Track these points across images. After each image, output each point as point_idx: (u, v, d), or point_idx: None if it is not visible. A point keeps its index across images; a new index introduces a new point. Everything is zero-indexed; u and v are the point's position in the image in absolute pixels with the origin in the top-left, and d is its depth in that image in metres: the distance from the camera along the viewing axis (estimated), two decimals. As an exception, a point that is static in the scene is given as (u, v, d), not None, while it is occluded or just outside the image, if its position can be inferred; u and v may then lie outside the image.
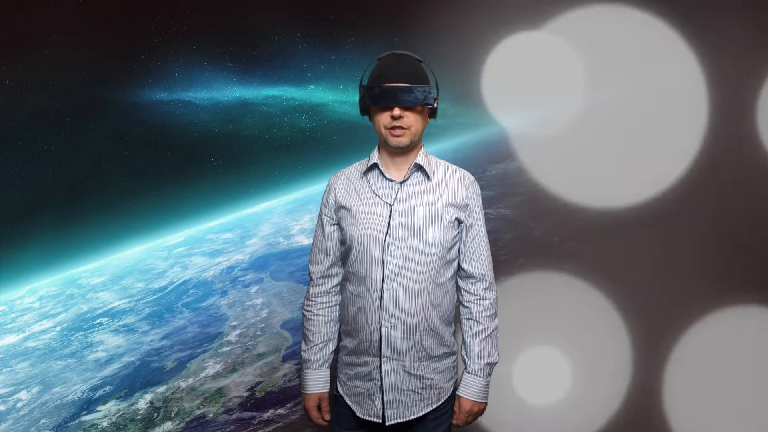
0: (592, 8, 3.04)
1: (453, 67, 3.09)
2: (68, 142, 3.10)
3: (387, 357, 1.72)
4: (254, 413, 3.02)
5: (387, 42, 3.14)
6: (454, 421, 1.85)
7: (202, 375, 3.10)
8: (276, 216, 3.67)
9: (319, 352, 1.85)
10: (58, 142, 3.09)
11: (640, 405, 3.03)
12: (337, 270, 1.86)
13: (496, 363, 1.83)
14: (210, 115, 3.30)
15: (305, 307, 1.88)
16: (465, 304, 1.84)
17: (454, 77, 3.10)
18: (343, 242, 1.81)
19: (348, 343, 1.80)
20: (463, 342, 1.85)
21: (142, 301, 3.37)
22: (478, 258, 1.81)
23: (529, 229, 3.28)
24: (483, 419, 1.95)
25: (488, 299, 1.82)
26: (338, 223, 1.82)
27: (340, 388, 1.84)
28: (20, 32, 2.94)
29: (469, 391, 1.80)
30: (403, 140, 1.71)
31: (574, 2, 3.04)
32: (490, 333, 1.82)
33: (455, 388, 1.86)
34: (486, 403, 1.84)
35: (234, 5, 3.21)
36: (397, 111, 1.67)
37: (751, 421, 2.99)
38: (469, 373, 1.81)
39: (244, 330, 3.27)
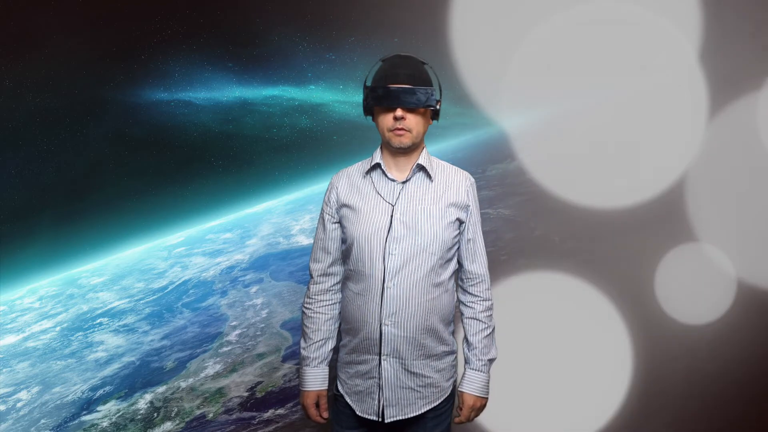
0: (592, 7, 3.04)
1: (453, 67, 3.09)
2: (68, 142, 3.10)
3: (387, 355, 1.73)
4: (254, 413, 3.01)
5: (387, 42, 3.14)
6: (457, 420, 1.86)
7: (202, 375, 3.10)
8: (276, 216, 3.67)
9: (318, 350, 1.85)
10: (58, 142, 3.08)
11: (640, 405, 3.04)
12: (338, 268, 1.87)
13: (495, 359, 1.86)
14: (210, 115, 3.30)
15: (305, 305, 1.89)
16: (468, 304, 1.86)
17: (454, 77, 3.11)
18: (344, 240, 1.82)
19: (348, 341, 1.81)
20: (465, 340, 1.87)
21: (142, 301, 3.36)
22: (480, 259, 1.86)
23: (529, 229, 3.28)
24: (483, 419, 1.96)
25: (489, 300, 1.87)
26: (340, 222, 1.83)
27: (340, 387, 1.85)
28: (20, 32, 2.94)
29: (473, 386, 1.82)
30: (405, 140, 1.73)
31: (575, 1, 3.04)
32: (491, 331, 1.86)
33: (454, 388, 1.87)
34: (487, 399, 1.86)
35: (234, 5, 3.21)
36: (399, 112, 1.69)
37: (750, 420, 3.00)
38: (472, 369, 1.83)
39: (244, 330, 3.27)
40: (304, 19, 3.21)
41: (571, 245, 3.18)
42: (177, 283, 3.46)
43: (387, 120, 1.72)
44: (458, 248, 1.84)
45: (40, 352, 3.12)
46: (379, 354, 1.73)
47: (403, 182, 1.79)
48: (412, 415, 1.77)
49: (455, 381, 1.88)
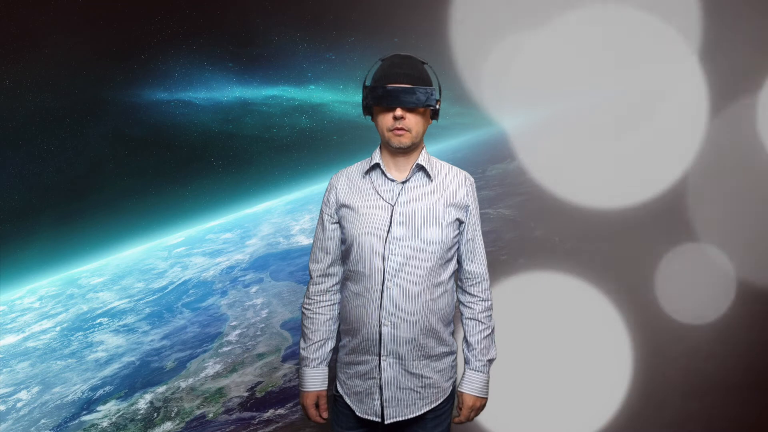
0: (592, 8, 3.04)
1: (453, 67, 3.09)
2: (68, 142, 3.10)
3: (386, 356, 1.72)
4: (254, 413, 3.01)
5: (387, 42, 3.14)
6: (457, 420, 1.86)
7: (202, 375, 3.10)
8: (276, 216, 3.68)
9: (317, 350, 1.85)
10: (58, 142, 3.09)
11: (640, 405, 3.03)
12: (337, 269, 1.86)
13: (495, 359, 1.86)
14: (210, 115, 3.30)
15: (305, 305, 1.89)
16: (467, 305, 1.86)
17: (454, 77, 3.11)
18: (343, 241, 1.82)
19: (348, 341, 1.81)
20: (465, 341, 1.86)
21: (142, 301, 3.37)
22: (480, 259, 1.84)
23: (529, 229, 3.29)
24: (483, 419, 1.96)
25: (489, 300, 1.86)
26: (339, 222, 1.83)
27: (339, 388, 1.84)
28: (20, 32, 2.94)
29: (473, 386, 1.82)
30: (404, 141, 1.72)
31: (575, 2, 3.04)
32: (491, 331, 1.85)
33: (454, 388, 1.86)
34: (486, 399, 1.86)
35: (234, 5, 3.21)
36: (399, 112, 1.68)
37: (750, 420, 2.99)
38: (471, 369, 1.83)
39: (244, 330, 3.27)
40: (304, 19, 3.22)
41: (571, 245, 3.18)
42: (177, 283, 3.46)
43: (386, 120, 1.71)
44: (458, 248, 1.84)
45: (40, 352, 3.12)
46: (379, 354, 1.73)
47: (403, 182, 1.78)
48: (412, 416, 1.76)
49: (455, 381, 1.88)
